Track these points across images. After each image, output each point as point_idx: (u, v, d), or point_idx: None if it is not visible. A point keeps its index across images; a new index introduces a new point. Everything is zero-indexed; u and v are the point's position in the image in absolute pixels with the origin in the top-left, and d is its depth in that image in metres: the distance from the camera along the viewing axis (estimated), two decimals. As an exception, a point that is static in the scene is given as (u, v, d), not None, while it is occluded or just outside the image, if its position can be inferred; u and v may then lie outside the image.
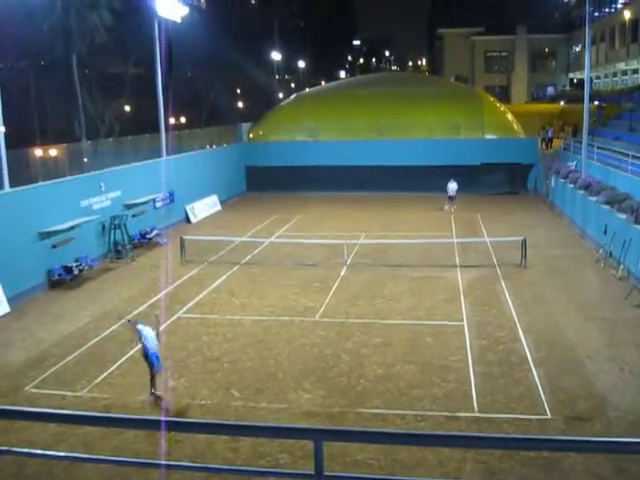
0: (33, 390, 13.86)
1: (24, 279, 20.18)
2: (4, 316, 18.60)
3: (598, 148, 30.26)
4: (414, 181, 38.54)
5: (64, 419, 4.56)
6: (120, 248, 25.41)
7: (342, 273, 22.58)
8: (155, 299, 20.04)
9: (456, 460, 10.79)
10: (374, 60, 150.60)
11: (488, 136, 41.89)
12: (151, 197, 28.56)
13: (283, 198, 38.72)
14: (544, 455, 10.62)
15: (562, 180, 31.46)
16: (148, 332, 13.34)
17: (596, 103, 44.12)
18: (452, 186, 33.21)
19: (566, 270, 22.27)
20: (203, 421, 4.45)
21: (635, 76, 54.19)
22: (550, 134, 44.52)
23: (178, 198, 31.51)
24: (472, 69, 75.28)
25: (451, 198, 33.21)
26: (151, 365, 13.16)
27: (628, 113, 40.09)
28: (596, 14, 57.52)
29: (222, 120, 48.96)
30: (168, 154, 31.73)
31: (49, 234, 21.47)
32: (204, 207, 34.76)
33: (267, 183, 40.74)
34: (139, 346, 13.67)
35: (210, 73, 52.28)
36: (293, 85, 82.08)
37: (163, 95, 31.37)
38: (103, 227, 24.99)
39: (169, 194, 30.69)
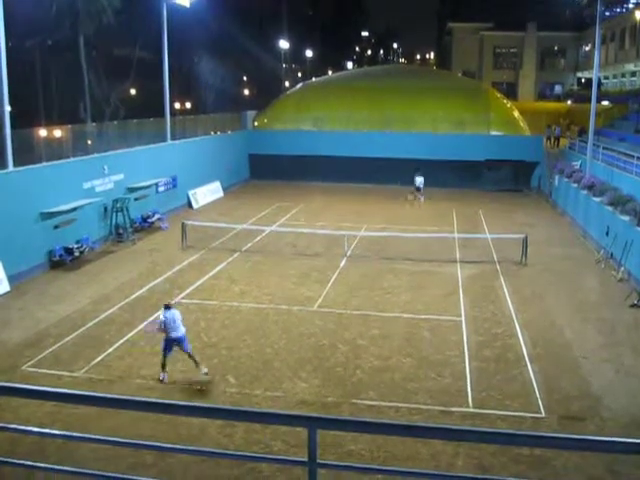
0: (30, 369, 13.89)
1: (25, 259, 20.22)
2: (4, 295, 18.67)
3: (603, 148, 30.15)
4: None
5: (61, 398, 4.56)
6: (121, 231, 25.44)
7: (342, 264, 22.60)
8: (155, 283, 20.08)
9: (449, 454, 10.83)
10: (382, 52, 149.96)
11: (493, 132, 41.79)
12: (154, 181, 28.56)
13: (286, 187, 38.72)
14: (536, 453, 10.66)
15: (566, 179, 31.37)
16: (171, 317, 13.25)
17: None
18: (419, 179, 35.04)
19: (566, 269, 22.26)
20: (196, 404, 4.44)
21: (644, 77, 53.92)
22: (557, 132, 44.37)
23: (181, 183, 31.51)
24: (480, 65, 74.78)
25: (418, 189, 34.94)
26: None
27: (635, 114, 39.95)
28: (607, 14, 57.15)
29: (227, 107, 48.83)
30: (172, 139, 31.71)
31: (51, 215, 21.49)
32: (206, 193, 34.75)
33: (270, 171, 40.71)
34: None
35: (217, 59, 52.11)
36: (300, 74, 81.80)
37: (169, 80, 31.28)
38: (105, 210, 25.01)
39: (172, 179, 30.69)
